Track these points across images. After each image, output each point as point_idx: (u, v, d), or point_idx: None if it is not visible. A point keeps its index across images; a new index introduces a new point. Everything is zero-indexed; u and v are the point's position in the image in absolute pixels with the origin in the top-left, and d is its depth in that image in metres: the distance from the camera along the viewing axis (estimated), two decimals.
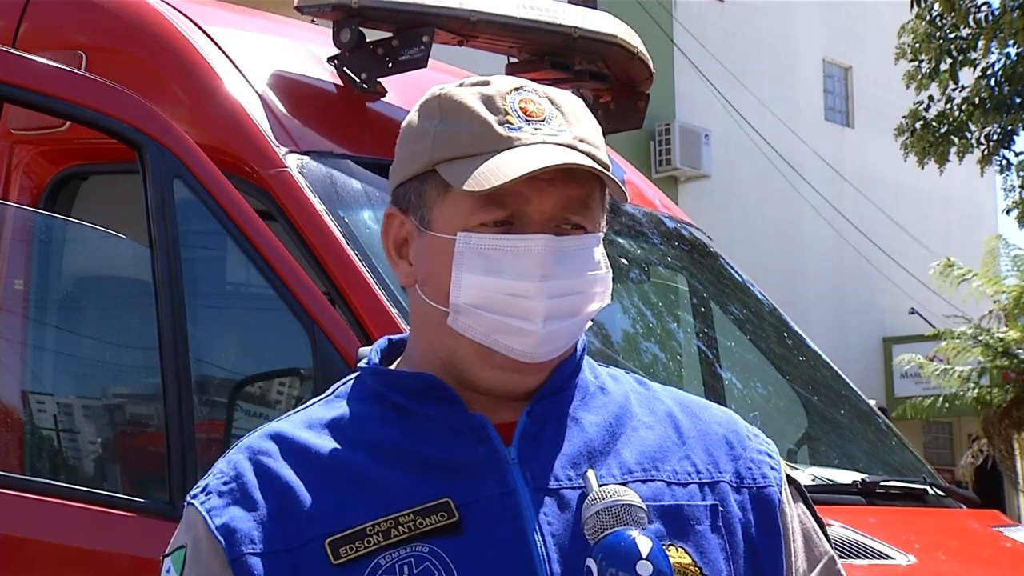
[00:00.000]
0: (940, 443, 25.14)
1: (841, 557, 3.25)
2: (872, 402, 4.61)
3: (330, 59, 3.79)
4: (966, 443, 21.69)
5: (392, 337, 1.75)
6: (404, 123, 1.70)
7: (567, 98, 1.66)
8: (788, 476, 1.73)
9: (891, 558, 3.39)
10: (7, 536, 3.17)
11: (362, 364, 1.71)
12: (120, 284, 3.82)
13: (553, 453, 1.61)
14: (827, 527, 1.78)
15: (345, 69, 3.76)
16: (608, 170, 1.62)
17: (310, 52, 3.93)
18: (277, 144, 3.48)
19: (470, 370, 1.62)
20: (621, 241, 4.35)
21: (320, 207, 3.36)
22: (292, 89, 3.71)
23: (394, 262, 1.69)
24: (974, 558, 3.78)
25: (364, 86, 3.74)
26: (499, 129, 1.59)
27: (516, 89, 1.63)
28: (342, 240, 3.30)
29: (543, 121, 1.61)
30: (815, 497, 3.65)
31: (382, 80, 3.76)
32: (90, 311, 3.90)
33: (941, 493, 4.07)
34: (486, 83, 1.64)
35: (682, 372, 4.37)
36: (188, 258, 3.24)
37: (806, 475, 3.83)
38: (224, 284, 3.71)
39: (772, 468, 1.71)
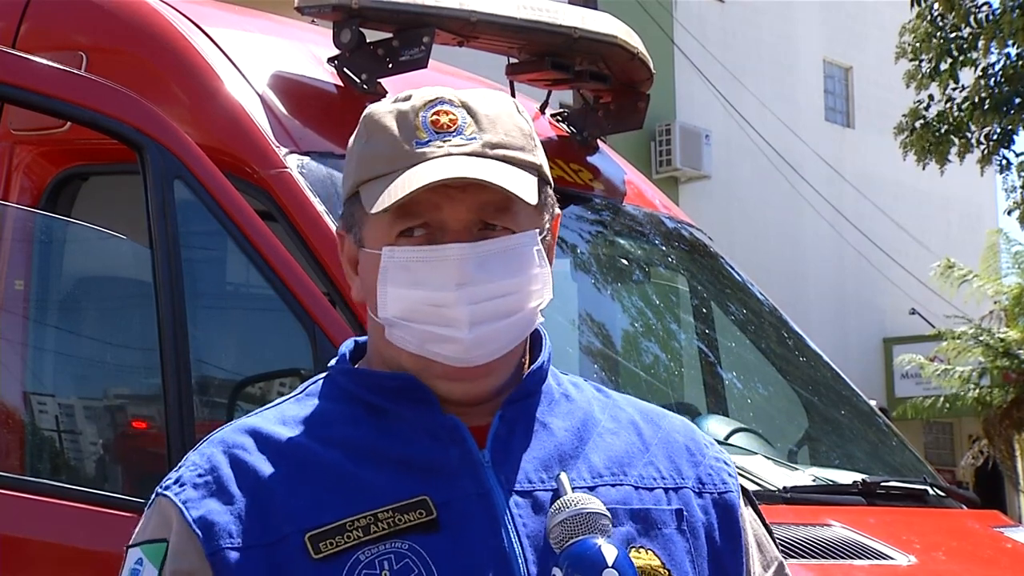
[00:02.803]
0: (941, 444, 25.14)
1: (842, 557, 3.28)
2: (872, 402, 4.61)
3: (330, 60, 3.79)
4: (967, 444, 21.68)
5: (358, 339, 1.77)
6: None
7: (487, 102, 1.66)
8: (741, 485, 1.78)
9: (891, 558, 3.39)
10: (7, 536, 3.17)
11: (332, 364, 1.72)
12: (120, 285, 3.82)
13: (524, 456, 1.63)
14: (774, 534, 1.83)
15: (345, 70, 3.76)
16: (537, 169, 1.63)
17: (310, 53, 3.93)
18: (277, 144, 3.48)
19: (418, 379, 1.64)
20: (621, 241, 4.35)
21: (320, 207, 3.36)
22: (292, 90, 3.71)
23: (351, 278, 1.72)
24: (974, 559, 3.78)
25: (364, 87, 3.74)
26: (406, 147, 1.61)
27: (431, 102, 1.63)
28: None
29: (453, 132, 1.61)
30: (817, 497, 3.68)
31: (382, 81, 3.76)
32: (90, 312, 3.90)
33: (941, 494, 4.07)
34: (407, 98, 1.65)
35: (682, 372, 4.36)
36: (188, 258, 3.24)
37: (806, 475, 3.83)
38: (224, 284, 3.71)
39: (729, 475, 1.76)
